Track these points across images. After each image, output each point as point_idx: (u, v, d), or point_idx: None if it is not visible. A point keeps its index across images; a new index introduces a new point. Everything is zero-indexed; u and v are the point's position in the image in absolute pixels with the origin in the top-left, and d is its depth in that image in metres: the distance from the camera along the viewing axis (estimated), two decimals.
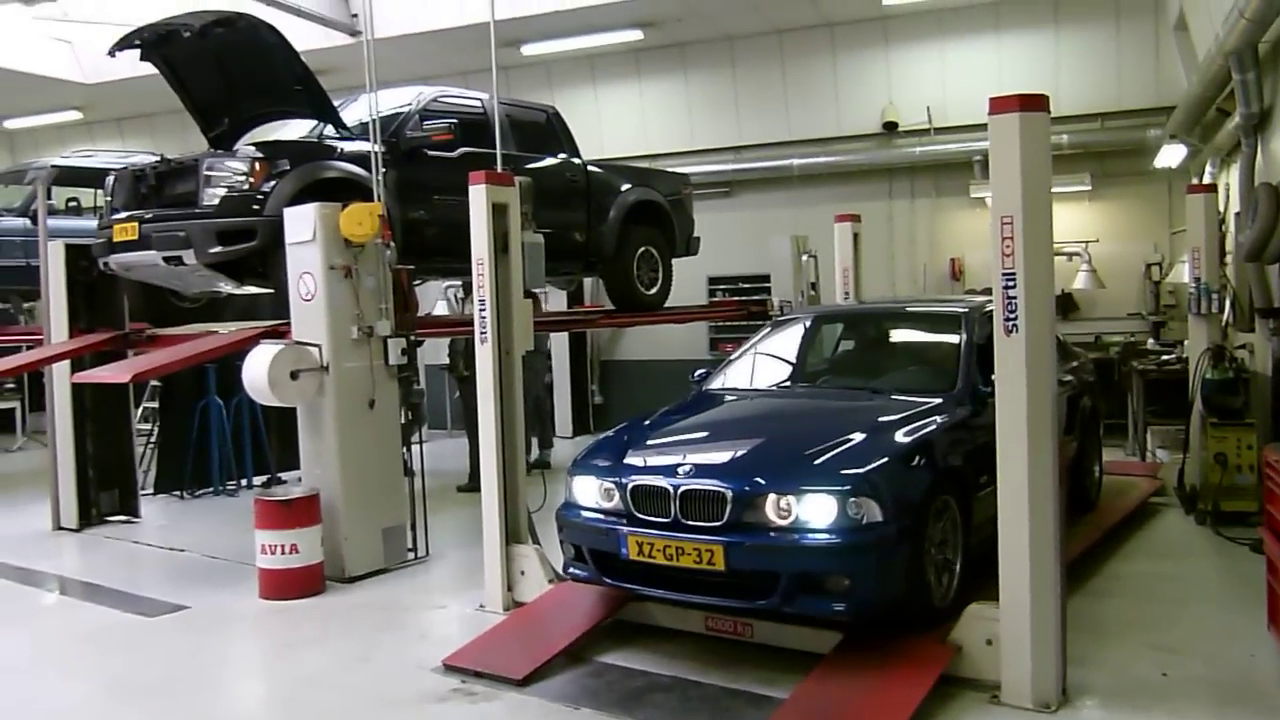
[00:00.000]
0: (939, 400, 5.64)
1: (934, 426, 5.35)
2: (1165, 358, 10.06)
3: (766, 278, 12.10)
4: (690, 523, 4.88)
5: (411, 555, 7.26)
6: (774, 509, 4.75)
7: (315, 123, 8.28)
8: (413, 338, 7.29)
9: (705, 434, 5.89)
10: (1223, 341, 7.98)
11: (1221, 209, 8.82)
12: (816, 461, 4.93)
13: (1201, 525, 7.48)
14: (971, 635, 4.66)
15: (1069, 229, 11.73)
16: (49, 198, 10.62)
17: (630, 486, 5.12)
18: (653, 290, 10.32)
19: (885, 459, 4.94)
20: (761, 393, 6.46)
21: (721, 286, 13.77)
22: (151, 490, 10.15)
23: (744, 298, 12.36)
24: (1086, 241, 11.83)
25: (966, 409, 5.63)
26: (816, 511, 4.69)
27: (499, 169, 6.75)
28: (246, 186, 7.23)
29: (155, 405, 11.12)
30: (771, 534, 4.72)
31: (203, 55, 7.76)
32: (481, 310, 6.11)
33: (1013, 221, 4.32)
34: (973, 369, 5.84)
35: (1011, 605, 4.43)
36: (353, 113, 8.19)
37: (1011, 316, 4.35)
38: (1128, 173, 11.96)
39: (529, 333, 6.41)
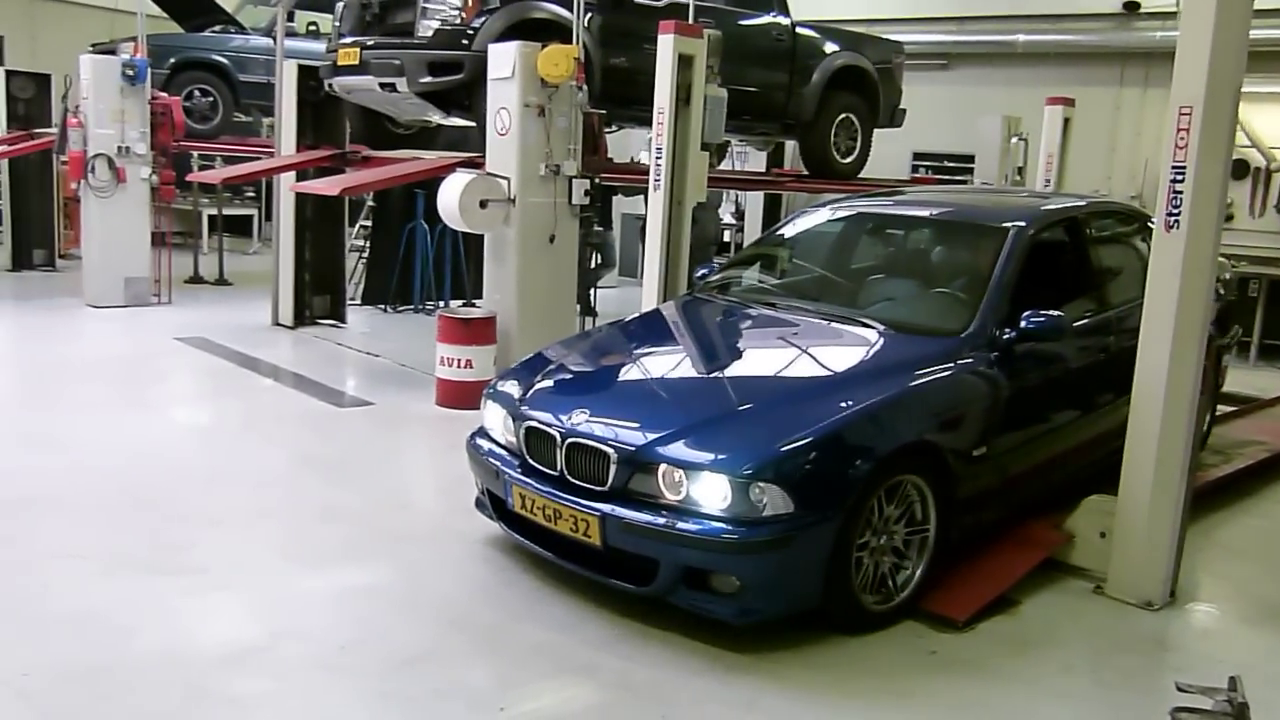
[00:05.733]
0: (942, 345, 4.47)
1: (914, 384, 4.24)
2: None
3: (973, 158, 11.74)
4: (575, 481, 4.03)
5: None
6: (667, 481, 3.82)
7: None
8: (597, 180, 7.57)
9: (633, 366, 4.88)
10: None
11: None
12: (725, 428, 4.01)
13: None
14: (1086, 526, 4.69)
15: None
16: (291, 20, 11.40)
17: (526, 426, 4.27)
18: (849, 159, 10.24)
19: (815, 432, 3.84)
20: (738, 308, 5.26)
21: (925, 163, 13.41)
22: (359, 301, 11.10)
23: (946, 177, 12.05)
24: None
25: (978, 358, 4.45)
26: (710, 494, 3.74)
27: (691, 20, 6.83)
28: (459, 21, 7.60)
29: (369, 224, 11.99)
30: (659, 511, 3.81)
31: None
32: (658, 159, 6.32)
33: (1191, 112, 4.14)
34: (1001, 305, 4.61)
35: (1129, 501, 4.42)
36: None
37: (1175, 212, 4.20)
38: None
39: (702, 185, 6.60)
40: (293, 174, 9.27)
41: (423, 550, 4.66)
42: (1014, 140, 10.88)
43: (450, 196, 7.05)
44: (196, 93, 11.48)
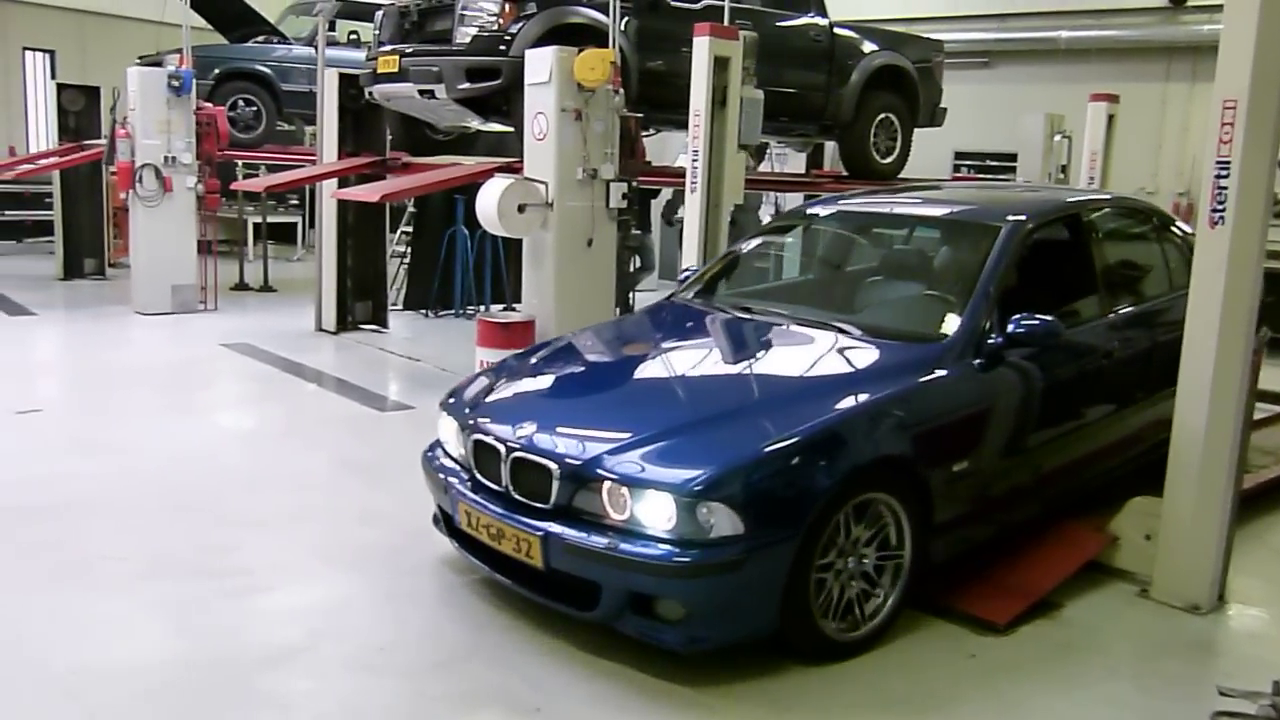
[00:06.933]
0: (921, 351, 4.18)
1: (886, 394, 3.90)
2: None
3: (1015, 157, 11.62)
4: (520, 498, 3.79)
5: None
6: (611, 499, 3.54)
7: None
8: (634, 183, 7.57)
9: (589, 376, 4.69)
10: None
11: None
12: (674, 442, 3.66)
13: None
14: (1131, 528, 4.61)
15: None
16: (332, 29, 11.55)
17: (474, 438, 4.02)
18: (888, 159, 10.18)
19: (770, 447, 3.54)
20: (714, 313, 4.96)
21: (967, 163, 13.30)
22: (400, 306, 11.20)
23: (989, 176, 11.93)
24: None
25: (962, 366, 4.13)
26: (654, 513, 3.45)
27: (727, 22, 6.83)
28: (496, 27, 7.65)
29: (410, 230, 12.09)
30: (604, 531, 3.54)
31: None
32: (694, 161, 6.32)
33: (1236, 106, 4.07)
34: (989, 308, 4.27)
35: (1175, 503, 4.34)
36: None
37: (1219, 208, 4.12)
38: None
39: (739, 187, 6.59)
40: (335, 181, 9.38)
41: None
42: (1057, 138, 10.77)
43: (488, 201, 7.10)
44: (240, 102, 11.66)
